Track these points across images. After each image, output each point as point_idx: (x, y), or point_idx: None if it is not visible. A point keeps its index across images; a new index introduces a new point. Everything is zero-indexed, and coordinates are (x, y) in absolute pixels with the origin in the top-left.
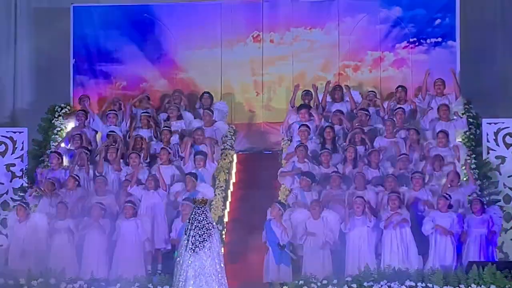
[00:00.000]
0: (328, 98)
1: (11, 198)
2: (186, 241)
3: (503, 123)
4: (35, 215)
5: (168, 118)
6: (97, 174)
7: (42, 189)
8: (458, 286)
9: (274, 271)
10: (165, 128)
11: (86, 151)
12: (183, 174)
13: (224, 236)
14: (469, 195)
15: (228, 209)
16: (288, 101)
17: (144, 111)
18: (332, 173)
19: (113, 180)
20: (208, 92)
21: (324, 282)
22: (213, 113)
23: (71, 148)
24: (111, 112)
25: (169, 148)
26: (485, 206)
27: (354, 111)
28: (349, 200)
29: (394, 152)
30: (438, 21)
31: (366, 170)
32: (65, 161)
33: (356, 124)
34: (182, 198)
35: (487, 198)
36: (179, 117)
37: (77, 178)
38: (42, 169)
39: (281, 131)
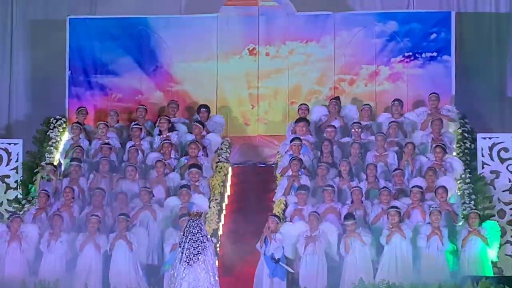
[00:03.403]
0: (325, 112)
1: (5, 209)
2: (180, 254)
3: (498, 138)
4: (28, 226)
5: (160, 132)
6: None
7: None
8: None
9: (267, 284)
10: (166, 141)
11: (80, 164)
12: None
13: (218, 249)
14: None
15: (222, 222)
16: (283, 114)
17: (135, 123)
18: (325, 187)
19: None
20: (205, 107)
21: None
22: (203, 126)
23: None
24: (102, 123)
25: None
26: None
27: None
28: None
29: (387, 166)
30: (433, 36)
31: (363, 184)
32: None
33: (352, 138)
34: (177, 210)
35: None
36: (171, 129)
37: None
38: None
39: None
